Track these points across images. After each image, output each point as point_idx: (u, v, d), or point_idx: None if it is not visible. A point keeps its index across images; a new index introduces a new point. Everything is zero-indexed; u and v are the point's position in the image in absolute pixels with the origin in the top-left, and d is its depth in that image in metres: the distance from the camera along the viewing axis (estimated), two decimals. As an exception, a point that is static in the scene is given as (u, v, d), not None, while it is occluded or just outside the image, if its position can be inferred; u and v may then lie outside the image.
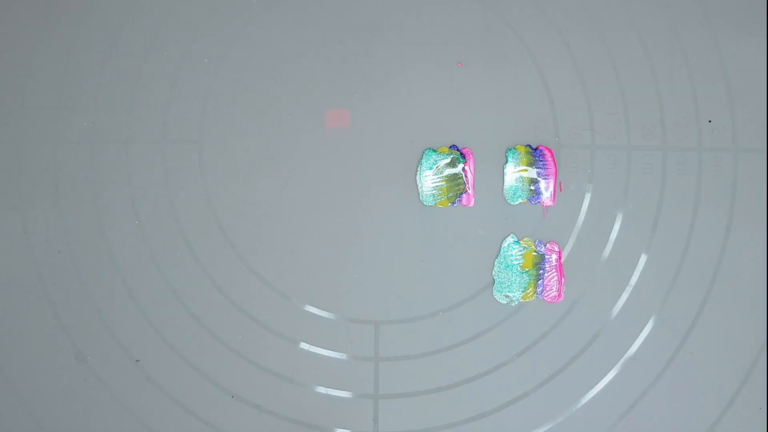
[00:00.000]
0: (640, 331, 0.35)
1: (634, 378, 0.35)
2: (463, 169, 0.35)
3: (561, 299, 0.35)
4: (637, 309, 0.35)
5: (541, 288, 0.35)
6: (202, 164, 0.36)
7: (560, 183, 0.36)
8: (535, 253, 0.35)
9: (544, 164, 0.36)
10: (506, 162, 0.36)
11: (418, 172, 0.35)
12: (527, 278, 0.35)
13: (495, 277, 0.35)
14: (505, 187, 0.36)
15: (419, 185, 0.35)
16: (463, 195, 0.35)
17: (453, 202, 0.35)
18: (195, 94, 0.36)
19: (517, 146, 0.36)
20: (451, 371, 0.35)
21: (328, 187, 0.35)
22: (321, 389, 0.35)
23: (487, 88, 0.36)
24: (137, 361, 0.35)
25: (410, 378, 0.35)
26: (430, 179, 0.35)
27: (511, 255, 0.35)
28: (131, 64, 0.36)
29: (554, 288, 0.35)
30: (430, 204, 0.35)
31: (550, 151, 0.36)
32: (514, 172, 0.36)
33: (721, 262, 0.35)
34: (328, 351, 0.35)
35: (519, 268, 0.35)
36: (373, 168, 0.36)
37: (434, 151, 0.36)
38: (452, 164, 0.35)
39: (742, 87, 0.36)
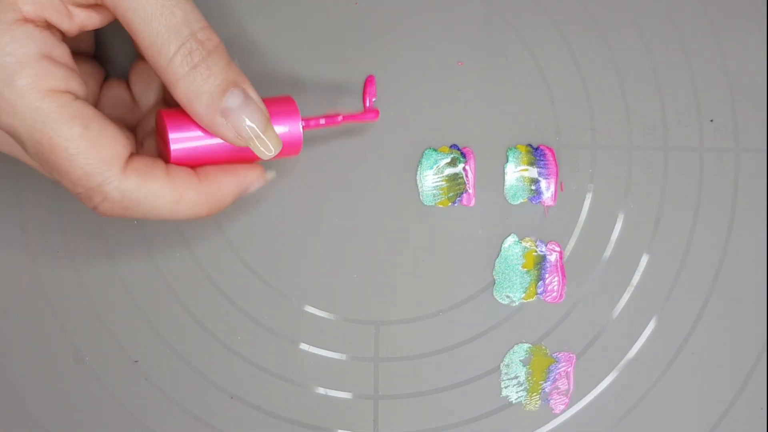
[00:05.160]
0: (642, 332, 0.35)
1: (636, 378, 0.35)
2: (464, 168, 0.35)
3: (562, 300, 0.35)
4: (639, 309, 0.35)
5: (542, 288, 0.35)
6: (201, 164, 0.35)
7: (561, 183, 0.36)
8: (536, 253, 0.35)
9: (545, 164, 0.35)
10: (507, 161, 0.36)
11: (419, 172, 0.35)
12: (528, 278, 0.35)
13: (496, 277, 0.35)
14: (505, 187, 0.35)
15: (419, 185, 0.35)
16: (464, 195, 0.35)
17: (453, 202, 0.35)
18: (195, 93, 0.36)
19: (518, 146, 0.36)
20: (451, 371, 0.35)
21: (327, 186, 0.35)
22: (321, 390, 0.35)
23: (488, 88, 0.36)
24: (136, 361, 0.35)
25: (410, 378, 0.35)
26: (430, 179, 0.35)
27: (512, 255, 0.35)
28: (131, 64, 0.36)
29: (555, 288, 0.35)
30: (431, 204, 0.35)
31: (551, 150, 0.36)
32: (515, 172, 0.35)
33: (722, 263, 0.35)
34: (328, 351, 0.35)
35: (520, 268, 0.35)
36: (373, 168, 0.35)
37: (434, 150, 0.35)
38: (453, 164, 0.35)
39: (743, 86, 0.36)
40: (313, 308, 0.35)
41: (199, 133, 0.28)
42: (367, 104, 0.35)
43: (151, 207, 0.27)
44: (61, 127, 0.26)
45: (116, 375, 0.35)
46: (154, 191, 0.27)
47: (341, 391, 0.35)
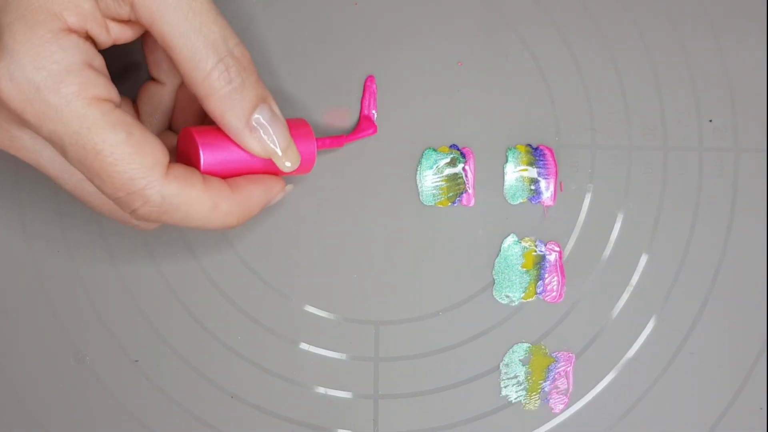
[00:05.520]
0: (641, 332, 0.35)
1: (635, 378, 0.35)
2: (464, 168, 0.35)
3: (561, 299, 0.35)
4: (638, 309, 0.35)
5: (541, 288, 0.35)
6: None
7: (561, 183, 0.36)
8: (535, 253, 0.35)
9: (544, 164, 0.36)
10: (506, 161, 0.36)
11: (418, 172, 0.35)
12: (528, 278, 0.35)
13: (495, 277, 0.35)
14: (505, 187, 0.35)
15: (419, 185, 0.35)
16: (464, 195, 0.35)
17: (453, 202, 0.35)
18: (195, 93, 0.36)
19: (518, 146, 0.36)
20: (451, 371, 0.35)
21: (327, 186, 0.35)
22: (321, 389, 0.35)
23: (488, 88, 0.36)
24: (136, 361, 0.35)
25: (410, 378, 0.35)
26: (430, 179, 0.35)
27: (512, 255, 0.35)
28: (131, 63, 0.36)
29: (555, 288, 0.35)
30: (430, 204, 0.35)
31: (550, 150, 0.36)
32: (515, 172, 0.36)
33: (721, 262, 0.35)
34: (328, 351, 0.35)
35: (519, 268, 0.35)
36: (373, 168, 0.35)
37: (434, 150, 0.35)
38: (452, 164, 0.35)
39: (743, 86, 0.36)
40: (313, 308, 0.35)
41: (225, 146, 0.29)
42: (365, 112, 0.35)
43: (186, 213, 0.28)
44: (106, 133, 0.26)
45: (116, 375, 0.35)
46: (193, 197, 0.28)
47: (341, 390, 0.35)
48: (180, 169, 0.28)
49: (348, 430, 0.35)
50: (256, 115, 0.29)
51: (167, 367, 0.35)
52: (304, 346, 0.35)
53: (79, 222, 0.35)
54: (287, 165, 0.30)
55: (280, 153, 0.29)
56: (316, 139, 0.32)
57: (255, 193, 0.30)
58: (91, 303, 0.35)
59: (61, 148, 0.27)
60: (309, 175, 0.35)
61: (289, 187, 0.32)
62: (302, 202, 0.35)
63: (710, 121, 0.36)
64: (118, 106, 0.27)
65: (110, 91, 0.27)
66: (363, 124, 0.35)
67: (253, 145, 0.29)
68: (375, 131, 0.35)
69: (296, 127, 0.31)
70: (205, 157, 0.29)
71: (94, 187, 0.29)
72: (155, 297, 0.35)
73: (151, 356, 0.35)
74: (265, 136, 0.29)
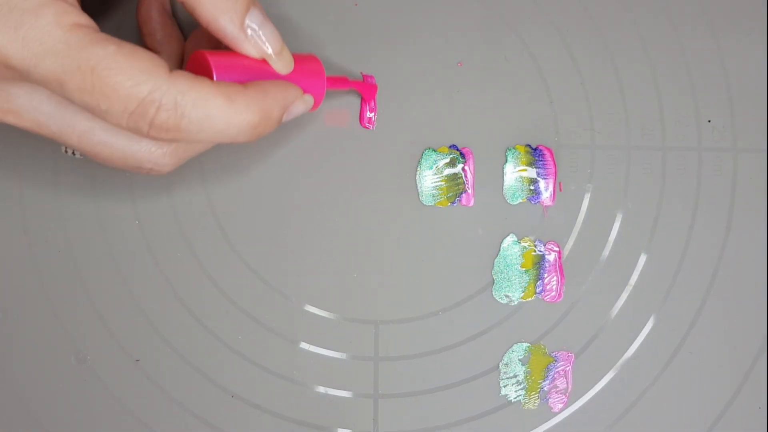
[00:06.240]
0: (640, 331, 0.35)
1: (634, 377, 0.35)
2: (463, 168, 0.36)
3: (561, 299, 0.35)
4: (637, 309, 0.35)
5: (540, 288, 0.35)
6: (202, 164, 0.36)
7: (560, 183, 0.36)
8: (534, 253, 0.35)
9: (543, 164, 0.36)
10: (506, 162, 0.36)
11: (418, 172, 0.35)
12: (527, 278, 0.35)
13: (495, 277, 0.35)
14: (504, 187, 0.36)
15: (419, 185, 0.35)
16: (463, 195, 0.35)
17: (453, 202, 0.35)
18: (195, 93, 0.36)
19: (517, 146, 0.36)
20: (451, 371, 0.35)
21: (327, 186, 0.35)
22: (321, 389, 0.35)
23: (487, 88, 0.36)
24: (137, 360, 0.35)
25: (410, 378, 0.35)
26: (429, 179, 0.35)
27: (511, 255, 0.35)
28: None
29: (554, 288, 0.35)
30: (430, 204, 0.35)
31: (549, 151, 0.36)
32: (514, 172, 0.36)
33: (720, 262, 0.35)
34: (328, 351, 0.35)
35: (519, 268, 0.35)
36: (373, 168, 0.36)
37: (434, 150, 0.36)
38: (452, 164, 0.35)
39: (742, 87, 0.36)
40: (313, 308, 0.35)
41: (235, 61, 0.29)
42: (367, 115, 0.35)
43: (205, 112, 0.27)
44: (94, 48, 0.26)
45: (117, 374, 0.35)
46: (205, 93, 0.27)
47: (341, 390, 0.35)
48: (184, 72, 0.27)
49: (348, 429, 0.35)
50: (248, 17, 0.29)
51: (168, 367, 0.35)
52: (304, 345, 0.35)
53: (79, 222, 0.35)
54: (283, 68, 0.30)
55: (274, 56, 0.30)
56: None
57: (270, 89, 0.29)
58: (92, 303, 0.35)
59: (58, 85, 0.26)
60: (309, 175, 0.35)
61: (308, 97, 0.31)
62: (302, 201, 0.35)
63: (709, 121, 0.36)
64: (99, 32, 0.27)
65: (89, 20, 0.26)
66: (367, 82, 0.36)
67: (248, 48, 0.29)
68: (376, 89, 0.35)
69: (307, 61, 0.32)
70: (216, 69, 0.29)
71: (100, 135, 0.28)
72: (155, 297, 0.35)
73: (151, 356, 0.35)
74: (260, 39, 0.29)
